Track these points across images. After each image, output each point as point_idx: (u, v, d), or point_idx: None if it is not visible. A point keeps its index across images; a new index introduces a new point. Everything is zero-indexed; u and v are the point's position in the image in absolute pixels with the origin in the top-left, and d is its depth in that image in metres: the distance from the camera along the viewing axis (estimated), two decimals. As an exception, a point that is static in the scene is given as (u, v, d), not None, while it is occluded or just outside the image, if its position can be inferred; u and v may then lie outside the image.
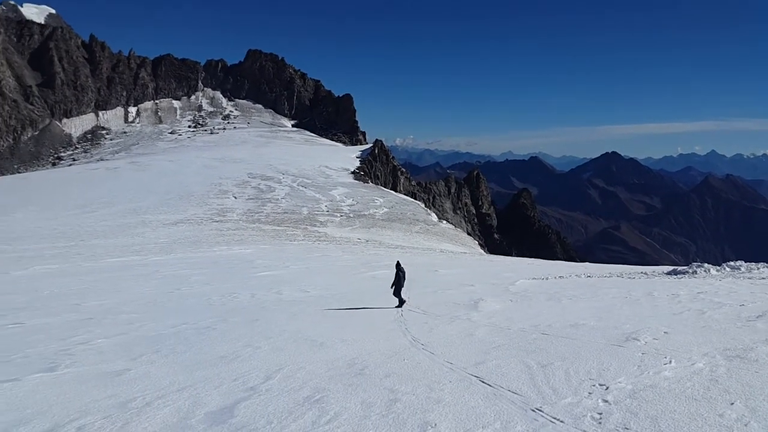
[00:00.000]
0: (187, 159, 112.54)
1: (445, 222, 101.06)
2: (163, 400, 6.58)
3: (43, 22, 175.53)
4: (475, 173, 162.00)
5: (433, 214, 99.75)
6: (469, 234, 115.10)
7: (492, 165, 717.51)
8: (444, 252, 53.69)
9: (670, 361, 7.58)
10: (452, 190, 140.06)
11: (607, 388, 6.53)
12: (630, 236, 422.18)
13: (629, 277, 22.07)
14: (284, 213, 69.94)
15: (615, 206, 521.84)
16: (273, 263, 30.16)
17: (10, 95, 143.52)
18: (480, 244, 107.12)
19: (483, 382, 6.96)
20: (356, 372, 7.72)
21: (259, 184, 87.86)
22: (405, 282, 15.58)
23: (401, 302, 15.09)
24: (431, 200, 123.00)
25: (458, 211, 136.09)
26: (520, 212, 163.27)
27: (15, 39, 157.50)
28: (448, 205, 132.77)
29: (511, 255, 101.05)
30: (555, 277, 22.66)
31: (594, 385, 6.65)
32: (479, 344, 9.41)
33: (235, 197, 77.14)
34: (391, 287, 15.52)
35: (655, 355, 8.05)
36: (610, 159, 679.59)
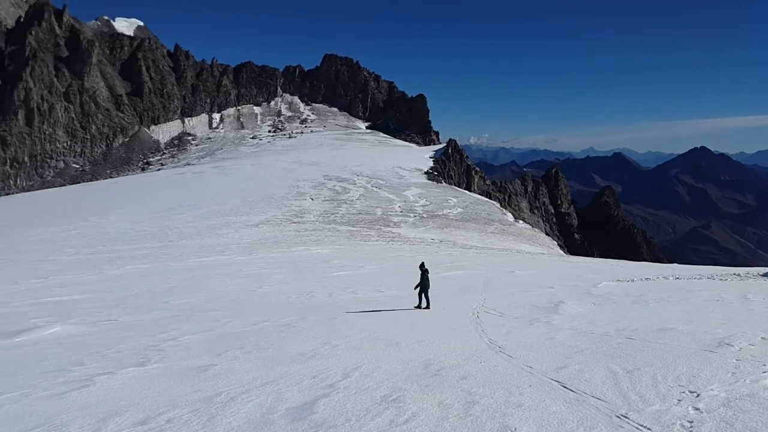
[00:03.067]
0: (267, 163, 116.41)
1: (521, 222, 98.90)
2: (246, 395, 6.81)
3: (132, 35, 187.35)
4: (553, 171, 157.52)
5: (509, 214, 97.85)
6: (547, 234, 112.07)
7: (572, 162, 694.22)
8: (521, 252, 52.58)
9: (771, 370, 7.05)
10: (529, 189, 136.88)
11: (698, 395, 6.16)
12: (721, 236, 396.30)
13: (721, 279, 20.77)
14: (359, 214, 70.87)
15: (705, 204, 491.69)
16: (348, 263, 30.64)
17: (103, 104, 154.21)
18: (559, 245, 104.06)
19: (565, 387, 6.74)
20: (432, 373, 7.68)
21: (334, 186, 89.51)
22: (430, 284, 15.45)
23: (426, 304, 14.99)
24: (507, 200, 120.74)
25: (536, 211, 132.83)
26: (603, 211, 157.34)
27: (108, 51, 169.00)
28: (524, 204, 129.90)
29: (593, 256, 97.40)
30: (641, 279, 21.66)
31: (684, 392, 6.30)
32: (560, 348, 9.13)
33: (312, 199, 78.97)
34: (415, 288, 15.39)
35: (752, 362, 7.52)
36: (699, 154, 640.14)
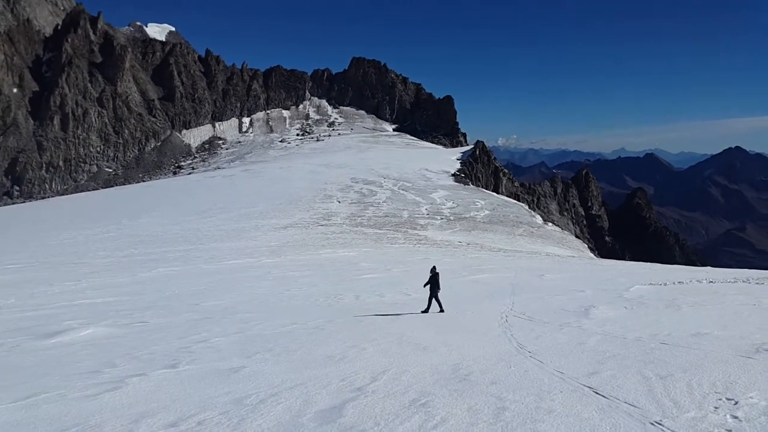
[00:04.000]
0: (295, 166, 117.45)
1: (550, 224, 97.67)
2: (276, 397, 6.85)
3: (164, 40, 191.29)
4: (583, 172, 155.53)
5: (538, 216, 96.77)
6: (577, 237, 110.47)
7: (603, 163, 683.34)
8: (550, 255, 51.92)
9: (814, 378, 6.81)
10: (558, 191, 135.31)
11: (736, 403, 5.98)
12: (757, 238, 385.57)
13: (757, 283, 20.19)
14: (385, 216, 70.91)
15: (739, 205, 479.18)
16: (375, 266, 30.65)
17: (136, 109, 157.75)
18: (590, 248, 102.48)
19: (597, 393, 6.62)
20: (461, 377, 7.62)
21: (361, 189, 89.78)
22: (440, 287, 15.24)
23: (439, 308, 14.84)
24: (536, 202, 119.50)
25: (565, 213, 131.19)
26: (635, 213, 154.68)
27: (140, 57, 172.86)
28: (554, 206, 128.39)
29: (625, 259, 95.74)
30: (674, 283, 21.18)
31: (720, 399, 6.12)
32: (592, 353, 8.97)
33: (339, 201, 79.33)
34: (427, 287, 15.25)
35: (795, 370, 7.26)
36: (734, 154, 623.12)
